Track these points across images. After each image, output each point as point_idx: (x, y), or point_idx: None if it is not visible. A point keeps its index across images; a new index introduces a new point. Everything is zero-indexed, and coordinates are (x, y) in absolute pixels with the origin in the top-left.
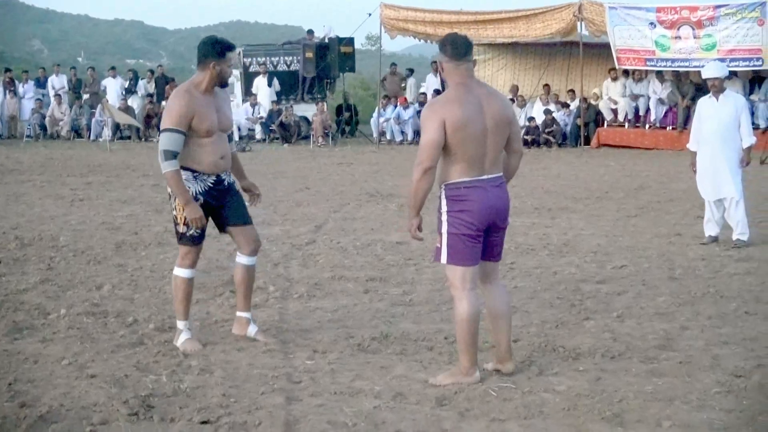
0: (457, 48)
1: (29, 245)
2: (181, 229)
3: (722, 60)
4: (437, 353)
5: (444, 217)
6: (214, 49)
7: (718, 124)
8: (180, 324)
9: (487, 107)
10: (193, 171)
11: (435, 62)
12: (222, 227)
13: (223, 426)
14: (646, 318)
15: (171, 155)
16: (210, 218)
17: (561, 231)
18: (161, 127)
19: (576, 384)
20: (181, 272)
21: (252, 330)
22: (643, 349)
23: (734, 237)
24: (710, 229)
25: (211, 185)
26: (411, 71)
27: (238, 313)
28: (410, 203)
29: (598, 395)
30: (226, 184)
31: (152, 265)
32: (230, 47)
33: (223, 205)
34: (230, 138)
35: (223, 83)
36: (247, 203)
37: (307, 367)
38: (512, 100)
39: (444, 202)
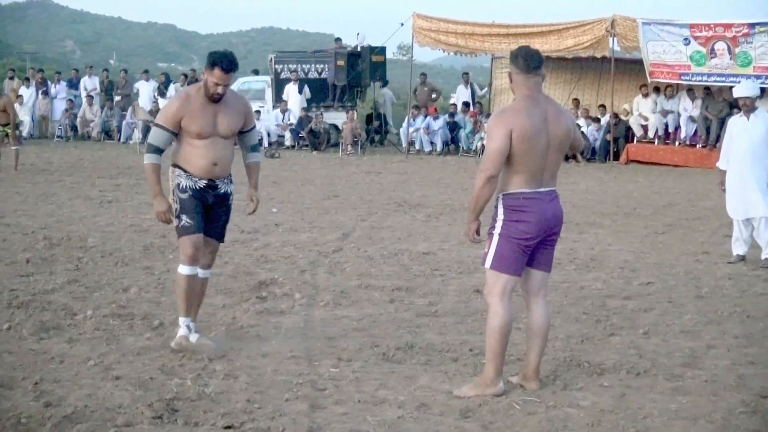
0: (529, 61)
1: (57, 245)
2: (175, 221)
3: (758, 77)
4: (462, 365)
5: (499, 223)
6: (208, 58)
7: (748, 143)
8: (180, 320)
9: (552, 122)
10: (184, 170)
11: (466, 73)
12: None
13: (246, 431)
14: (671, 335)
15: (153, 149)
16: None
17: (588, 246)
18: (154, 122)
19: (600, 400)
20: (180, 268)
21: (193, 338)
22: (668, 367)
23: (763, 256)
24: (738, 248)
25: (201, 188)
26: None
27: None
28: (470, 208)
29: (622, 412)
30: (222, 191)
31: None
32: (219, 63)
33: (212, 209)
34: (254, 148)
35: (211, 96)
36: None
37: (331, 374)
38: None
39: (501, 210)
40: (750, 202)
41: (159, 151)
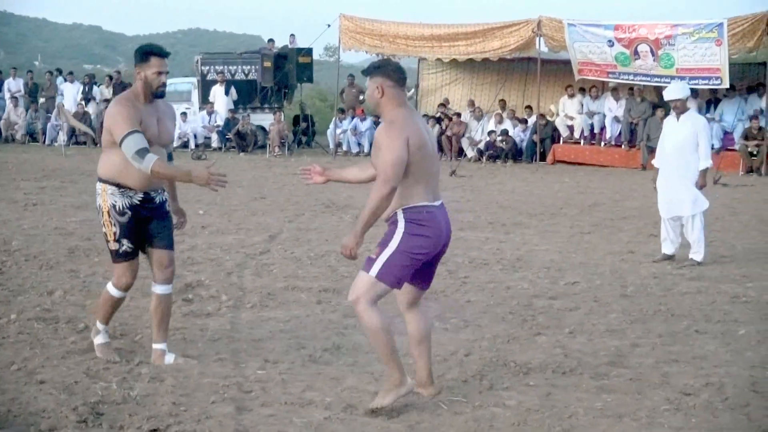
0: (401, 74)
1: None
2: (113, 246)
3: (682, 78)
4: None
5: (398, 237)
6: (137, 54)
7: (677, 144)
8: (100, 326)
9: (428, 132)
10: (119, 186)
11: None
12: (143, 246)
13: None
14: (597, 335)
15: (145, 152)
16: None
17: (515, 246)
18: (119, 138)
19: (526, 399)
20: (113, 291)
21: (169, 359)
22: (593, 366)
23: (690, 255)
24: (666, 248)
25: (138, 202)
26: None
27: (154, 345)
28: (364, 221)
29: (548, 411)
30: (158, 201)
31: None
32: (153, 51)
33: (150, 222)
34: (170, 156)
35: (156, 92)
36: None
37: (258, 377)
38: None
39: (402, 224)
40: (677, 201)
41: (149, 150)
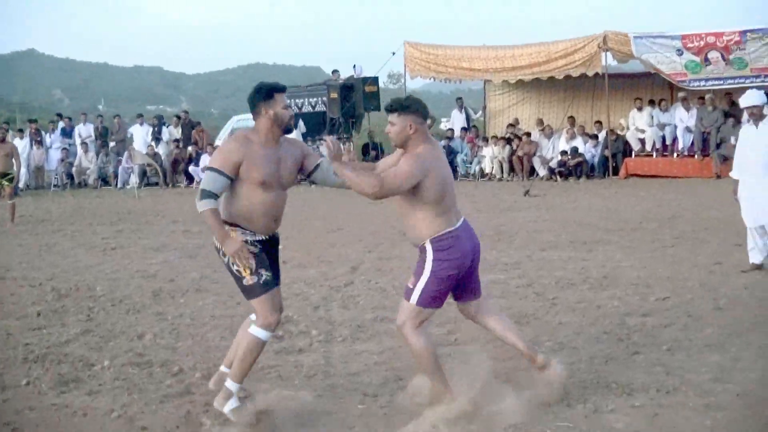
0: (427, 111)
1: (66, 296)
2: (250, 280)
3: (757, 77)
4: None
5: (428, 264)
6: (260, 94)
7: (759, 152)
8: (234, 387)
9: (445, 159)
10: (242, 228)
11: (460, 98)
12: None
13: None
14: (696, 350)
15: (207, 194)
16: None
17: (599, 264)
18: (204, 167)
19: (634, 421)
20: (260, 333)
21: (230, 405)
22: (697, 383)
23: None
24: (754, 257)
25: (264, 240)
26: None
27: (223, 368)
28: (344, 176)
29: None
30: (276, 238)
31: (192, 313)
32: (277, 88)
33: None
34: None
35: (286, 127)
36: None
37: (359, 411)
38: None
39: (431, 253)
40: (762, 210)
41: (215, 196)
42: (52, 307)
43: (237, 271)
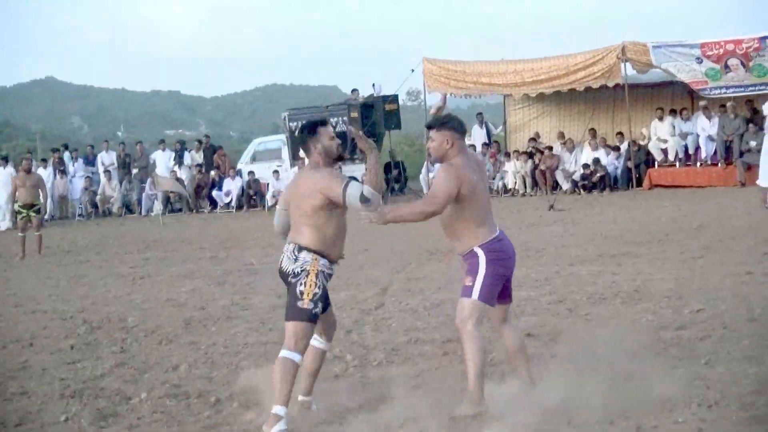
0: (463, 127)
1: (98, 328)
2: (308, 305)
3: None
4: None
5: (482, 266)
6: (306, 132)
7: None
8: (280, 410)
9: (482, 170)
10: (324, 257)
11: (480, 114)
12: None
13: None
14: (734, 363)
15: (363, 198)
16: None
17: (629, 277)
18: (340, 190)
19: None
20: (293, 356)
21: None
22: (738, 396)
23: None
24: None
25: (330, 274)
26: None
27: (301, 398)
28: (397, 215)
29: None
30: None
31: (225, 341)
32: (317, 123)
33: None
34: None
35: (337, 156)
36: None
37: None
38: (561, 144)
39: (483, 257)
40: None
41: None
42: (85, 340)
43: (300, 292)
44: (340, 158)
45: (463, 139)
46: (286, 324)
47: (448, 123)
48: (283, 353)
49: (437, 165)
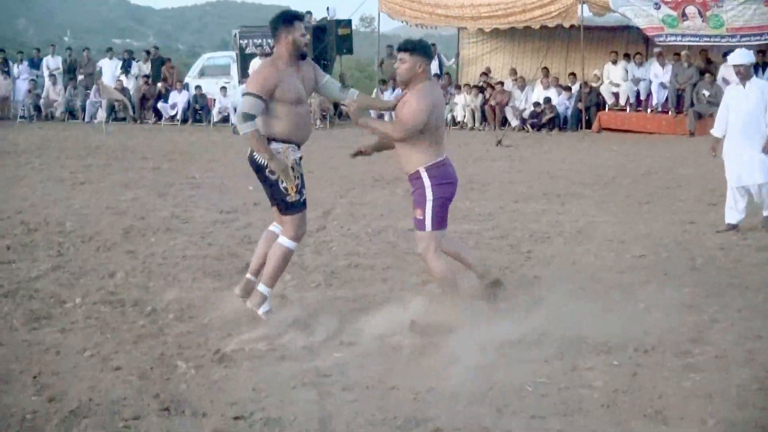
0: (432, 54)
1: (35, 230)
2: (294, 197)
3: (732, 36)
4: None
5: (428, 191)
6: (283, 20)
7: (745, 111)
8: (267, 291)
9: (442, 97)
10: (287, 141)
11: (434, 45)
12: None
13: (257, 422)
14: (673, 310)
15: (249, 117)
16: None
17: (573, 218)
18: (243, 92)
19: (613, 380)
20: (291, 244)
21: (264, 308)
22: (675, 343)
23: (765, 213)
24: (731, 217)
25: (298, 159)
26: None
27: (250, 276)
28: (370, 127)
29: (636, 391)
30: (300, 157)
31: (163, 252)
32: (297, 16)
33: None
34: (345, 85)
35: (301, 52)
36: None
37: (335, 360)
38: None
39: (427, 181)
40: (747, 169)
41: (254, 118)
42: (21, 241)
43: (284, 188)
44: (303, 56)
45: (430, 65)
46: (283, 218)
47: (423, 48)
48: (287, 243)
49: (397, 91)
